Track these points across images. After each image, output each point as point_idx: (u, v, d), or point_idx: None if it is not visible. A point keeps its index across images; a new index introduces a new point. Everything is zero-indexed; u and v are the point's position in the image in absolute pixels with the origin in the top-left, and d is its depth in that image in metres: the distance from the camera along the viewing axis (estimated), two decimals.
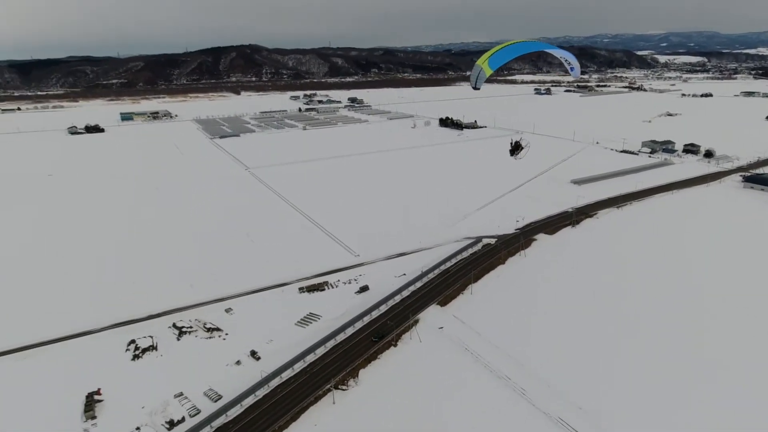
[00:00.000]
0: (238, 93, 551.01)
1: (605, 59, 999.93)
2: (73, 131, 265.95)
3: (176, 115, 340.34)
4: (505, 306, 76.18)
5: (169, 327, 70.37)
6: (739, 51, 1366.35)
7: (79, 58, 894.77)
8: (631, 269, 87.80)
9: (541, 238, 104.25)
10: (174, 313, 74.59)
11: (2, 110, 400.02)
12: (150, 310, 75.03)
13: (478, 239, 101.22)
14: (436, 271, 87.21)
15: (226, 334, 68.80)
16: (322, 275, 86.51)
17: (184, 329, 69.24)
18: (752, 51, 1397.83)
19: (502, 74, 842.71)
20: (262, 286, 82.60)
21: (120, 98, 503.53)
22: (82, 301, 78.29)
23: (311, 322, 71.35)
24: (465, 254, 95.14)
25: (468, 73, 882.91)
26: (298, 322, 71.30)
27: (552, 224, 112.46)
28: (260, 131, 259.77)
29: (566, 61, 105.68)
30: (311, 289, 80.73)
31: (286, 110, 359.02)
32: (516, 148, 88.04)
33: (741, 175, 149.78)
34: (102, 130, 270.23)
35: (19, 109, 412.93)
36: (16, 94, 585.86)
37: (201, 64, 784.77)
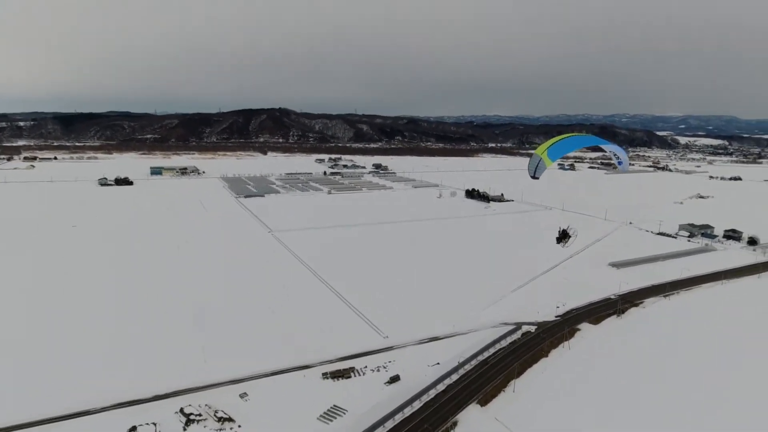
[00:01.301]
0: (265, 153, 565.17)
1: (626, 138, 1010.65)
2: (103, 182, 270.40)
3: (204, 172, 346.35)
4: (553, 408, 66.97)
5: (176, 412, 62.71)
6: (759, 136, 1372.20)
7: (119, 113, 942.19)
8: (688, 367, 78.28)
9: (585, 328, 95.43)
10: (183, 395, 67.07)
11: (40, 159, 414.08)
12: (157, 389, 67.63)
13: (518, 326, 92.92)
14: (474, 362, 78.70)
15: (239, 426, 60.73)
16: (348, 359, 78.66)
17: (192, 417, 61.48)
18: None
19: (524, 147, 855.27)
20: (282, 367, 74.95)
21: (152, 152, 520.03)
22: (84, 374, 71.33)
23: (336, 417, 63.01)
24: (504, 343, 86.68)
25: (490, 144, 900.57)
26: (321, 416, 63.04)
27: (595, 312, 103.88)
28: (285, 192, 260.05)
29: (615, 155, 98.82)
30: (336, 375, 72.76)
31: (311, 173, 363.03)
32: (564, 236, 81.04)
33: None
34: (131, 183, 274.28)
35: (55, 158, 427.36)
36: (55, 144, 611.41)
37: (232, 123, 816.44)
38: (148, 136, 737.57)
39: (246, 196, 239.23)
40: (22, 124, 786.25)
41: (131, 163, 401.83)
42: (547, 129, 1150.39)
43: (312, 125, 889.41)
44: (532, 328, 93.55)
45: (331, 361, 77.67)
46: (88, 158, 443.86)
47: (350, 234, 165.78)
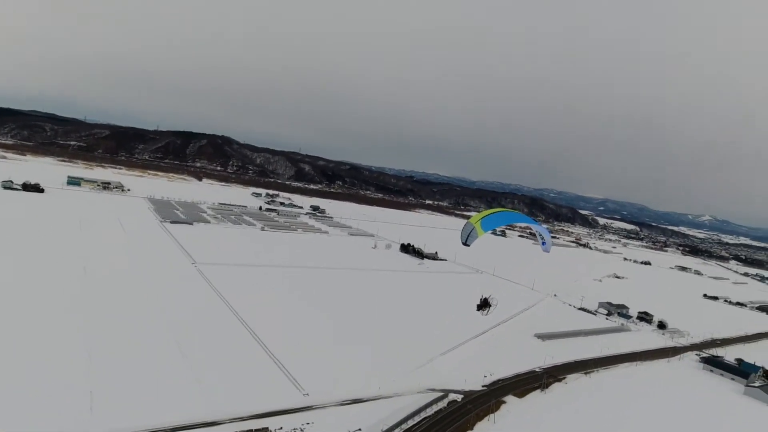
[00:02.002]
0: (200, 179, 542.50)
1: (552, 212, 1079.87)
2: (7, 185, 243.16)
3: (129, 190, 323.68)
4: None
5: None
6: (664, 226, 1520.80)
7: (42, 114, 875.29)
8: None
9: (510, 402, 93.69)
10: None
11: None
12: None
13: (445, 394, 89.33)
14: (397, 431, 73.61)
15: None
16: (263, 416, 70.77)
17: None
18: (675, 228, 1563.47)
19: (459, 208, 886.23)
20: (187, 422, 65.79)
21: (73, 161, 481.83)
22: None
23: None
24: (429, 411, 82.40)
25: (428, 201, 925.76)
26: None
27: (520, 384, 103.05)
28: (216, 223, 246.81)
29: (541, 236, 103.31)
30: None
31: (246, 206, 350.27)
32: (484, 305, 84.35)
33: (698, 354, 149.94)
34: (41, 191, 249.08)
35: None
36: None
37: (169, 143, 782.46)
38: (73, 142, 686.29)
39: (172, 222, 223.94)
40: None
41: (47, 169, 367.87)
42: (482, 193, 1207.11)
43: (253, 158, 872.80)
44: (459, 397, 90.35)
45: (243, 418, 69.43)
46: None
47: (279, 276, 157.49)
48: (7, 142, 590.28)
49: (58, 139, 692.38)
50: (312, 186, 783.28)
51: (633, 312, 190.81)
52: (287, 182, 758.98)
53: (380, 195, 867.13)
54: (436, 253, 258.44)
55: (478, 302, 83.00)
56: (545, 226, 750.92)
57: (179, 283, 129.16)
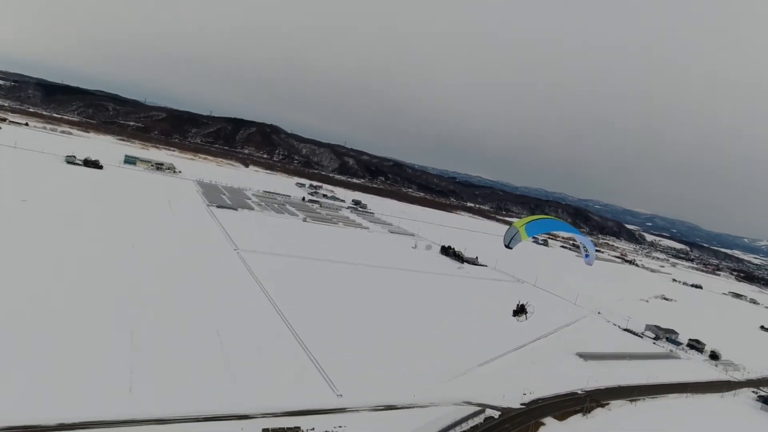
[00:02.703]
0: (247, 166, 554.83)
1: (597, 224, 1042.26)
2: (71, 161, 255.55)
3: (180, 171, 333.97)
4: None
5: None
6: (717, 248, 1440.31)
7: (107, 94, 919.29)
8: None
9: (550, 424, 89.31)
10: (94, 428, 57.14)
11: (10, 121, 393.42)
12: (64, 416, 57.51)
13: (482, 409, 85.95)
14: None
15: None
16: (296, 414, 69.92)
17: None
18: (728, 251, 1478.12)
19: (501, 213, 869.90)
20: (219, 413, 65.71)
21: (131, 140, 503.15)
22: None
23: None
24: (465, 426, 79.35)
25: (469, 204, 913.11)
26: None
27: (561, 406, 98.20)
28: (259, 210, 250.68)
29: (584, 248, 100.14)
30: None
31: (290, 195, 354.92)
32: (521, 311, 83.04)
33: (754, 392, 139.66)
34: (100, 167, 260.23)
35: (26, 124, 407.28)
36: (30, 110, 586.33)
37: (220, 129, 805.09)
38: (132, 123, 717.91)
39: (218, 206, 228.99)
40: (1, 82, 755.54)
41: (106, 147, 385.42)
42: (525, 200, 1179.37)
43: (299, 148, 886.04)
44: (496, 414, 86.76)
45: (275, 414, 68.81)
46: (62, 131, 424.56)
47: (318, 270, 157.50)
48: (73, 119, 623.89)
49: (119, 119, 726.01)
50: (355, 180, 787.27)
51: (683, 338, 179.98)
52: (331, 174, 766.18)
53: (422, 194, 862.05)
54: (477, 258, 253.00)
55: (515, 308, 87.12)
56: (590, 238, 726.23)
57: (221, 270, 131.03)
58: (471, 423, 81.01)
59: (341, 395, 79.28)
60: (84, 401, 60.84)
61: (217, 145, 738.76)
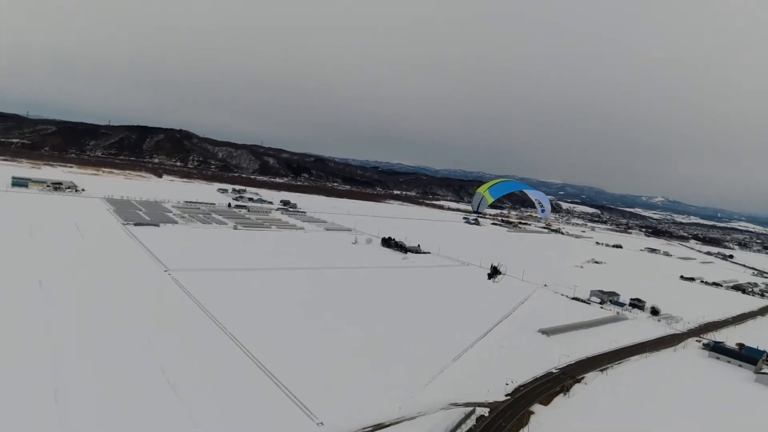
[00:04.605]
0: (160, 176, 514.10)
1: (518, 198, 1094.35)
2: None
3: (83, 190, 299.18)
4: None
5: None
6: (622, 209, 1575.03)
7: None
8: None
9: (539, 412, 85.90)
10: None
11: None
12: None
13: (471, 409, 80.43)
14: None
15: None
16: None
17: None
18: (631, 209, 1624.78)
19: (428, 197, 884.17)
20: None
21: (17, 159, 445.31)
22: None
23: None
24: None
25: (396, 192, 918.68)
26: None
27: (541, 389, 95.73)
28: (184, 224, 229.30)
29: (539, 202, 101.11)
30: None
31: (214, 203, 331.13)
32: (495, 273, 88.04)
33: (698, 341, 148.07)
34: None
35: None
36: None
37: (123, 139, 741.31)
38: (15, 140, 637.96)
39: (136, 224, 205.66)
40: None
41: None
42: (449, 182, 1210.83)
43: (215, 152, 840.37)
44: (485, 411, 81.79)
45: None
46: None
47: (262, 281, 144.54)
48: None
49: None
50: (278, 179, 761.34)
51: (624, 299, 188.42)
52: (252, 176, 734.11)
53: (347, 187, 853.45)
54: (419, 246, 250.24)
55: (489, 271, 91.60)
56: (514, 212, 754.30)
57: (153, 296, 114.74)
58: (465, 428, 75.21)
59: (322, 423, 69.90)
60: None
61: (122, 157, 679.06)
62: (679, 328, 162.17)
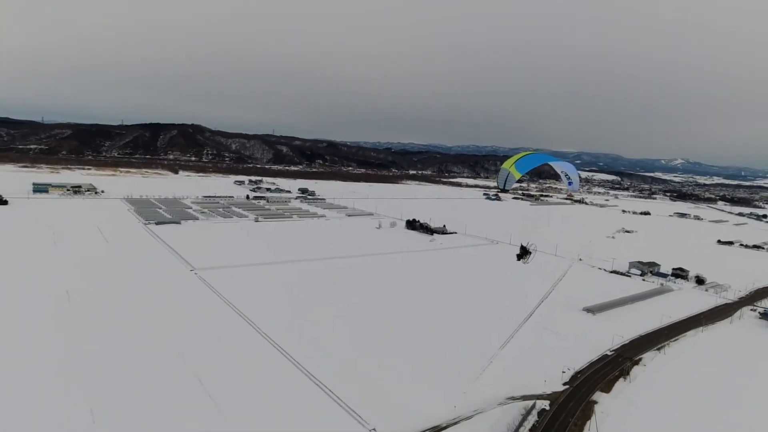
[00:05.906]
0: (176, 172, 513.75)
1: (535, 170, 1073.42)
2: None
3: (103, 191, 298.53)
4: None
5: None
6: (642, 174, 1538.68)
7: None
8: None
9: (602, 401, 79.77)
10: None
11: None
12: None
13: (532, 403, 74.80)
14: None
15: None
16: None
17: None
18: (651, 174, 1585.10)
19: (444, 175, 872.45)
20: None
21: (36, 165, 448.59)
22: None
23: None
24: (524, 430, 67.94)
25: (411, 171, 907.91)
26: None
27: (599, 374, 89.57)
28: (204, 219, 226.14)
29: (565, 174, 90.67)
30: None
31: (232, 196, 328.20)
32: (524, 253, 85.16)
33: (753, 309, 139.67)
34: (4, 202, 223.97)
35: None
36: None
37: (137, 138, 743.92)
38: (33, 146, 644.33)
39: (157, 223, 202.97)
40: None
41: (7, 177, 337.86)
42: (463, 158, 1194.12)
43: (228, 144, 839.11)
44: (546, 404, 76.08)
45: None
46: None
47: (291, 275, 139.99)
48: None
49: (16, 144, 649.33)
50: (292, 167, 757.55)
51: (665, 269, 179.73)
52: (267, 166, 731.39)
53: (363, 170, 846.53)
54: (444, 226, 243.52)
55: (518, 252, 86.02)
56: (534, 184, 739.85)
57: (181, 298, 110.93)
58: (528, 425, 69.60)
59: (374, 429, 65.00)
60: None
61: (137, 155, 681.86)
62: (730, 297, 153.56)
